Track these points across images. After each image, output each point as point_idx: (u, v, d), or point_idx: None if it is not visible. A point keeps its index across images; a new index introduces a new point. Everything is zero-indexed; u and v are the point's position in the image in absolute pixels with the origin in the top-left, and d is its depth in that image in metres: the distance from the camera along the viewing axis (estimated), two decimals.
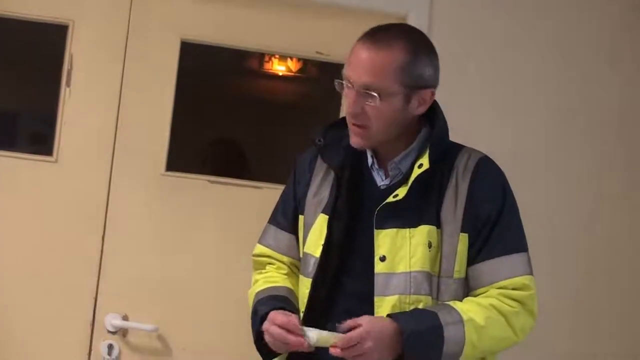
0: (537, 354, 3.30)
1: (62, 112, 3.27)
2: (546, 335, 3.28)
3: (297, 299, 2.27)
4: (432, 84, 2.20)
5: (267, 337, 2.14)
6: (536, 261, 2.23)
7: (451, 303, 2.12)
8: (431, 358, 2.06)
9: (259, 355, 2.30)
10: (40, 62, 3.41)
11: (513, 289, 2.14)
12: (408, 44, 2.16)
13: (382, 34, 2.17)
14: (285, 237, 2.35)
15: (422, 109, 2.20)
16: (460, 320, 2.07)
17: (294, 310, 2.21)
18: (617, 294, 3.47)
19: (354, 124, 2.18)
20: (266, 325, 2.14)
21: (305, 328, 2.08)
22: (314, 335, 2.06)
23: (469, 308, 2.10)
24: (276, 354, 2.21)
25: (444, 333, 2.05)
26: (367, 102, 2.14)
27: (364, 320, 2.06)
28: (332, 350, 2.04)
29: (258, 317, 2.21)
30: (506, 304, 2.13)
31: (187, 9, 3.36)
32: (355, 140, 2.20)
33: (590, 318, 3.45)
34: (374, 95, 2.12)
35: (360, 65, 2.14)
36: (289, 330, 2.08)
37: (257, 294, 2.28)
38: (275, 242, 2.36)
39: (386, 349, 2.05)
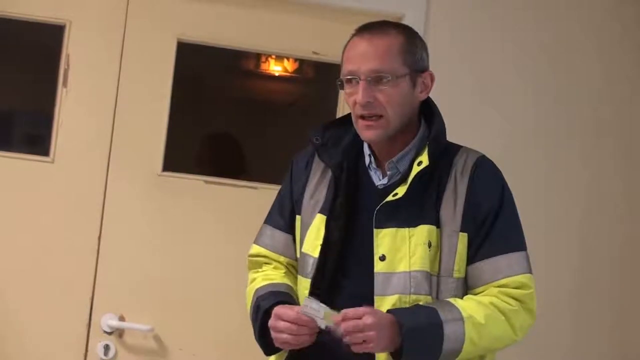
0: (537, 351, 3.31)
1: (59, 112, 3.27)
2: (545, 332, 3.28)
3: (297, 297, 2.25)
4: (429, 67, 2.25)
5: (274, 334, 2.11)
6: (533, 258, 2.23)
7: (451, 300, 2.12)
8: (430, 354, 2.06)
9: (255, 354, 2.29)
10: (37, 63, 3.40)
11: (513, 287, 2.14)
12: (401, 29, 2.24)
13: (375, 26, 2.23)
14: (281, 236, 2.34)
15: (424, 95, 2.23)
16: (460, 318, 2.07)
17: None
18: (614, 291, 3.47)
19: (367, 117, 2.17)
20: (272, 322, 2.11)
21: (308, 299, 2.05)
22: (320, 309, 2.02)
23: (469, 305, 2.10)
24: (278, 349, 2.20)
25: (444, 330, 2.05)
26: (378, 89, 2.15)
27: (367, 307, 2.04)
28: (337, 322, 1.99)
29: (260, 312, 2.19)
30: (506, 302, 2.13)
31: (183, 9, 3.36)
32: (369, 134, 2.19)
33: (588, 315, 3.45)
34: (385, 80, 2.14)
35: (364, 54, 2.16)
36: (297, 324, 2.07)
37: (257, 290, 2.26)
38: (272, 241, 2.35)
39: (385, 337, 2.02)
